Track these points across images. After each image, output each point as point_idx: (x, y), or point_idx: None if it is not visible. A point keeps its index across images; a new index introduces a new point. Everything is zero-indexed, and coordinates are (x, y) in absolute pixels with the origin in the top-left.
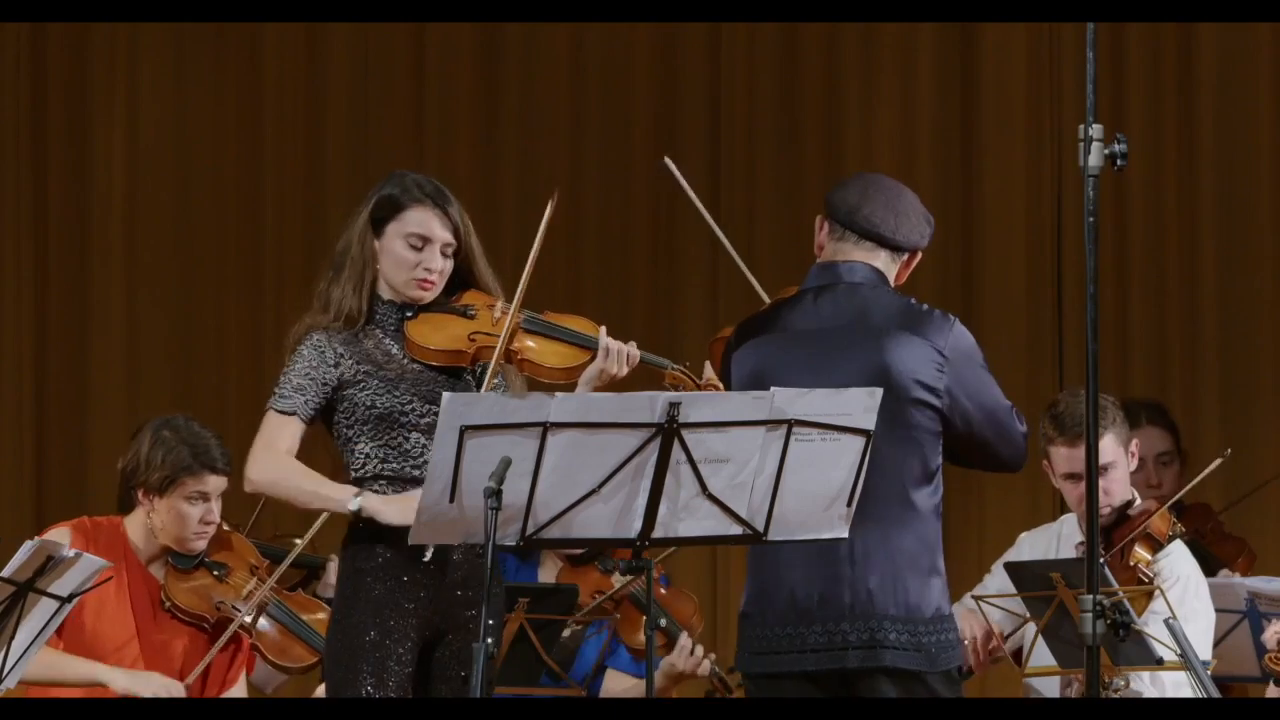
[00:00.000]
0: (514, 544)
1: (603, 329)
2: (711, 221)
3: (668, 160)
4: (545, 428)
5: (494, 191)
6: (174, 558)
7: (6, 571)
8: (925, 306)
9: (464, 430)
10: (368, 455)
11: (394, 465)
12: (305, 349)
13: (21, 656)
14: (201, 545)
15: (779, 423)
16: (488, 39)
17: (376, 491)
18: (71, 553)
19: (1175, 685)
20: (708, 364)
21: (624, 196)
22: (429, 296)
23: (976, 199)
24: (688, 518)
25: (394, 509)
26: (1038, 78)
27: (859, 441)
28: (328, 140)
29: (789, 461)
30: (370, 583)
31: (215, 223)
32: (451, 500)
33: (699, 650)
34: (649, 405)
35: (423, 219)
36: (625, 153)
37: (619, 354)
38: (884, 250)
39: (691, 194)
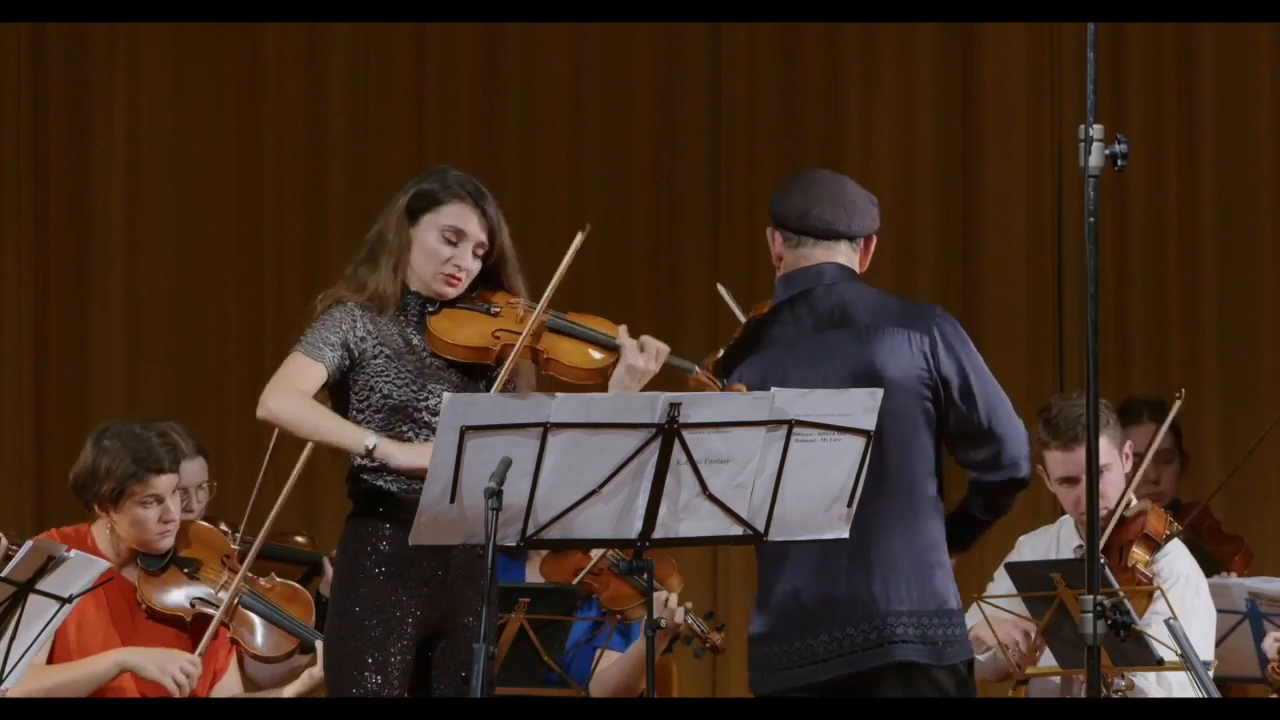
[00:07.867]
0: (514, 544)
1: (623, 328)
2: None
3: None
4: (546, 428)
5: (494, 192)
6: (143, 559)
7: (6, 572)
8: (906, 300)
9: (464, 430)
10: None
11: None
12: (337, 311)
13: (22, 657)
14: (167, 543)
15: (779, 423)
16: (488, 39)
17: (375, 482)
18: (72, 553)
19: (1181, 686)
20: None
21: (624, 196)
22: (454, 293)
23: (976, 199)
24: (688, 518)
25: (407, 453)
26: (1038, 78)
27: (859, 442)
28: (328, 140)
29: (789, 462)
30: (372, 574)
31: (215, 222)
32: (452, 500)
33: (674, 599)
34: (649, 406)
35: (460, 214)
36: (625, 153)
37: (649, 349)
38: (843, 242)
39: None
